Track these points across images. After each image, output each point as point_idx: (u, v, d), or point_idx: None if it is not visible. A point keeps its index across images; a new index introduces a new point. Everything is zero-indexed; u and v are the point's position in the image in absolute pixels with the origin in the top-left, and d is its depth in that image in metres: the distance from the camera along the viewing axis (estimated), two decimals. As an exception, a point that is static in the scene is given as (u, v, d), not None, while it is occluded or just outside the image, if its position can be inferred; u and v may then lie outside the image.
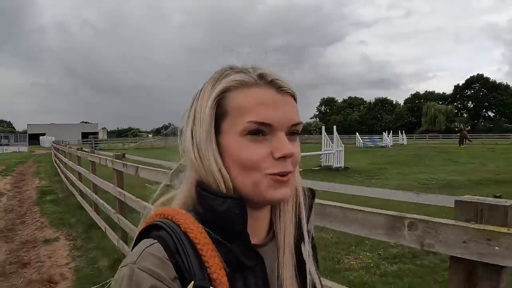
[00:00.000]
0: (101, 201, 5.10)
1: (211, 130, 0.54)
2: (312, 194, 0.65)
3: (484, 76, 72.72)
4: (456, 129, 62.12)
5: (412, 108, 76.05)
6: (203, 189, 0.55)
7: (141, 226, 0.56)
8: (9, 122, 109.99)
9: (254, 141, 0.53)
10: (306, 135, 53.98)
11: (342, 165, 14.99)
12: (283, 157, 0.53)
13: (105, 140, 51.32)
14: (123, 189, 3.99)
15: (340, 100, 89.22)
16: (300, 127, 0.57)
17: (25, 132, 70.01)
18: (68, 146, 11.78)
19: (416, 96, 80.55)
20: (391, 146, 32.60)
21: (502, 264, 0.95)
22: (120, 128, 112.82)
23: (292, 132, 0.56)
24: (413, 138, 47.20)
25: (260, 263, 0.56)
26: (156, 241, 0.51)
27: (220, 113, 0.54)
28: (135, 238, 0.56)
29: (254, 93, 0.54)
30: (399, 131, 40.04)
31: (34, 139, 58.09)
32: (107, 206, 4.71)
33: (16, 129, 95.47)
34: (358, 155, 21.57)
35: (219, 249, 0.52)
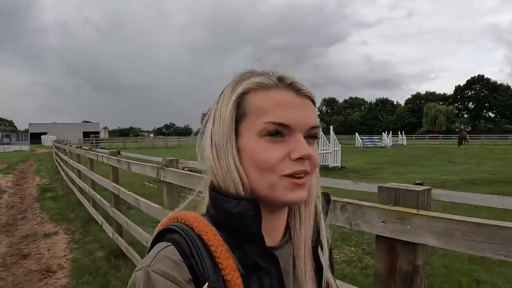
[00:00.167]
0: (98, 196, 5.33)
1: (231, 132, 0.55)
2: (327, 198, 0.65)
3: (485, 77, 72.81)
4: (457, 129, 62.14)
5: (413, 108, 76.10)
6: (216, 192, 0.55)
7: (156, 231, 0.57)
8: (11, 121, 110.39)
9: (272, 142, 0.53)
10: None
11: (339, 164, 15.18)
12: (301, 158, 0.53)
13: (106, 140, 51.50)
14: (118, 184, 4.21)
15: (341, 101, 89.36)
16: (318, 131, 0.57)
17: (26, 131, 70.21)
18: (68, 144, 12.01)
19: (417, 96, 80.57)
20: (390, 146, 32.71)
21: (416, 241, 1.10)
22: (121, 128, 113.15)
23: (310, 135, 0.56)
24: (413, 138, 47.30)
25: (275, 264, 0.56)
26: (170, 244, 0.51)
27: (239, 115, 0.55)
28: (150, 243, 0.56)
29: (274, 95, 0.54)
30: (399, 132, 40.19)
31: (35, 138, 58.31)
32: (104, 200, 4.94)
33: (18, 128, 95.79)
34: (357, 155, 21.73)
35: (233, 251, 0.52)
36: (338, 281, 0.68)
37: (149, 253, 0.52)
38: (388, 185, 1.22)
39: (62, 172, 11.38)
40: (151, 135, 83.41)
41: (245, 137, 0.54)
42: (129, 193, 3.55)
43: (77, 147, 8.63)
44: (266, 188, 0.53)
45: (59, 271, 4.01)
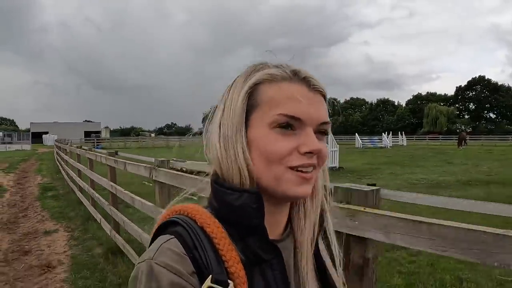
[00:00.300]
0: (97, 194, 5.50)
1: (241, 122, 0.54)
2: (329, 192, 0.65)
3: (487, 77, 72.88)
4: (458, 130, 62.12)
5: (414, 109, 76.14)
6: (219, 184, 0.55)
7: (157, 223, 0.56)
8: (12, 120, 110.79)
9: (282, 134, 0.53)
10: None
11: (337, 165, 15.30)
12: (310, 153, 0.53)
13: (107, 139, 51.72)
14: (115, 183, 4.37)
15: (342, 101, 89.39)
16: (328, 127, 0.57)
17: (28, 130, 70.52)
18: (69, 144, 12.18)
19: (417, 97, 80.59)
20: (390, 147, 32.76)
21: (364, 236, 1.22)
22: (123, 127, 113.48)
23: (320, 131, 0.56)
24: (413, 139, 47.37)
25: (278, 256, 0.56)
26: (173, 236, 0.51)
27: (250, 105, 0.55)
28: (151, 235, 0.56)
29: (287, 87, 0.54)
30: (399, 132, 40.28)
31: (37, 137, 58.54)
32: (102, 199, 5.11)
33: (19, 128, 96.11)
34: (355, 156, 21.82)
35: (235, 243, 0.52)
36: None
37: (152, 245, 0.52)
38: (342, 185, 1.36)
39: (63, 172, 11.55)
40: (152, 135, 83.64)
41: (255, 128, 0.54)
42: (126, 192, 3.71)
43: (77, 147, 8.80)
44: (272, 180, 0.53)
45: (59, 267, 4.17)
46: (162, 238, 0.52)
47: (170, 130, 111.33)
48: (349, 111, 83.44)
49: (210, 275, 0.48)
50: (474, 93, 73.93)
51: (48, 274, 3.95)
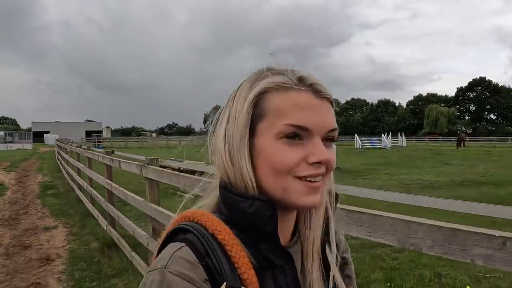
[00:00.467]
0: (95, 192, 5.72)
1: (246, 132, 0.54)
2: (335, 197, 0.64)
3: (487, 79, 72.86)
4: (458, 131, 62.19)
5: (415, 110, 76.19)
6: (228, 190, 0.55)
7: (166, 230, 0.56)
8: (14, 119, 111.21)
9: (289, 144, 0.52)
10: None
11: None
12: (318, 163, 0.52)
13: (108, 139, 51.99)
14: (111, 180, 4.59)
15: (343, 102, 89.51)
16: (336, 133, 0.56)
17: (29, 130, 70.86)
18: (69, 144, 12.41)
19: (418, 98, 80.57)
20: (389, 147, 32.85)
21: None
22: (124, 127, 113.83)
23: (328, 138, 0.55)
24: (412, 140, 47.48)
25: (290, 261, 0.56)
26: (184, 244, 0.51)
27: (256, 115, 0.54)
28: (160, 242, 0.56)
29: (293, 96, 0.53)
30: (399, 133, 40.39)
31: (38, 136, 58.90)
32: (99, 196, 5.33)
33: (21, 127, 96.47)
34: (354, 156, 21.94)
35: (247, 249, 0.52)
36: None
37: (163, 253, 0.52)
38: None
39: (63, 170, 11.76)
40: (153, 134, 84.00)
41: (262, 138, 0.53)
42: (120, 188, 3.93)
43: (76, 147, 9.02)
44: (280, 191, 0.53)
45: (57, 259, 4.40)
46: (173, 246, 0.51)
47: (171, 130, 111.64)
48: (350, 111, 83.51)
49: (225, 283, 0.48)
50: (474, 94, 73.94)
51: (46, 267, 4.17)
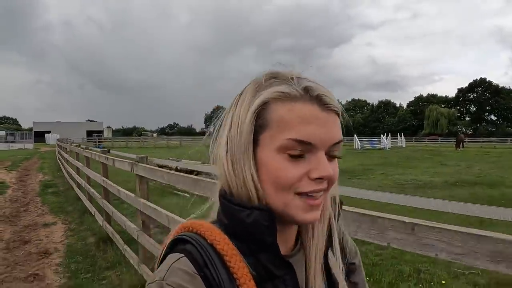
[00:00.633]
0: (92, 189, 5.94)
1: (249, 143, 0.52)
2: (339, 203, 0.63)
3: (487, 80, 72.97)
4: (459, 132, 62.28)
5: (415, 111, 76.32)
6: (227, 200, 0.54)
7: (167, 241, 0.56)
8: (15, 119, 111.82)
9: (292, 159, 0.51)
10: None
11: (330, 165, 15.59)
12: (320, 178, 0.52)
13: (109, 139, 52.26)
14: (107, 178, 4.81)
15: (344, 102, 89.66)
16: (340, 145, 0.54)
17: (30, 129, 71.17)
18: (69, 143, 12.64)
19: (419, 99, 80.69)
20: (389, 148, 32.94)
21: None
22: (125, 127, 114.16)
23: (332, 151, 0.53)
24: (412, 140, 47.58)
25: (291, 272, 0.55)
26: (182, 255, 0.50)
27: (259, 124, 0.52)
28: (161, 254, 0.56)
29: (298, 108, 0.51)
30: (398, 134, 40.48)
31: (39, 136, 59.22)
32: (96, 193, 5.55)
33: (22, 127, 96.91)
34: (352, 157, 21.92)
35: (246, 259, 0.51)
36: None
37: (162, 265, 0.52)
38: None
39: (63, 169, 11.99)
40: (154, 134, 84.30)
41: (264, 149, 0.52)
42: (114, 185, 4.16)
43: (75, 146, 9.25)
44: (281, 205, 0.52)
45: (55, 253, 4.62)
46: (172, 257, 0.51)
47: (172, 130, 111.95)
48: (351, 112, 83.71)
49: None
50: (475, 95, 74.04)
51: (45, 259, 4.39)
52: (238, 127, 0.53)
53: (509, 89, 71.43)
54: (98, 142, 41.78)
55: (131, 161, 3.34)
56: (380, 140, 35.35)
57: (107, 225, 4.79)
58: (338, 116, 0.55)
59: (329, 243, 0.61)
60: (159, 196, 7.25)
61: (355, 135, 37.63)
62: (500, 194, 9.12)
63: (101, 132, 69.53)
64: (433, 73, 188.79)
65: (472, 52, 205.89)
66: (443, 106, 71.21)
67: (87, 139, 47.62)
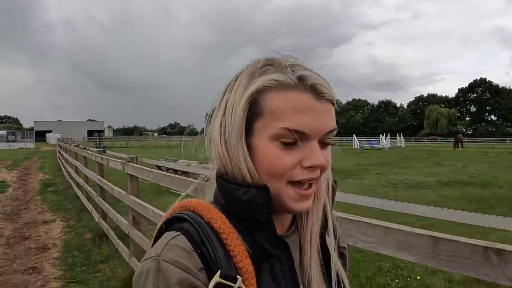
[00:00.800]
0: (89, 188, 6.18)
1: (242, 129, 0.53)
2: (334, 186, 0.64)
3: (488, 80, 73.02)
4: (459, 132, 62.25)
5: (415, 111, 76.38)
6: (224, 180, 0.54)
7: (162, 219, 0.55)
8: (16, 118, 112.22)
9: (285, 148, 0.51)
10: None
11: (326, 165, 15.73)
12: (312, 167, 0.52)
13: (109, 138, 52.49)
14: (103, 177, 5.05)
15: (344, 102, 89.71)
16: (334, 134, 0.55)
17: (32, 129, 71.48)
18: (69, 143, 12.87)
19: (419, 99, 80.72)
20: (387, 148, 32.98)
21: None
22: (126, 127, 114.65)
23: (325, 140, 0.54)
24: (411, 140, 47.67)
25: (287, 251, 0.56)
26: (179, 233, 0.50)
27: (253, 112, 0.52)
28: (156, 231, 0.56)
29: (292, 97, 0.51)
30: (397, 134, 40.58)
31: (40, 136, 59.50)
32: (93, 191, 5.79)
33: (23, 126, 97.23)
34: (350, 157, 21.91)
35: (243, 238, 0.52)
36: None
37: (158, 241, 0.52)
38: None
39: (63, 169, 12.22)
40: (155, 134, 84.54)
41: (258, 137, 0.53)
42: (108, 183, 4.41)
43: (74, 146, 9.49)
44: (273, 192, 0.52)
45: (53, 248, 4.86)
46: (168, 235, 0.51)
47: (173, 130, 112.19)
48: (351, 112, 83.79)
49: (219, 271, 0.48)
50: (475, 95, 74.09)
51: (43, 254, 4.64)
52: (232, 113, 0.54)
53: (510, 89, 71.47)
54: (99, 141, 41.97)
55: (122, 161, 3.57)
56: (379, 140, 35.43)
57: (103, 222, 5.03)
58: (333, 105, 0.55)
59: (324, 226, 0.62)
60: (156, 195, 7.45)
61: (354, 135, 37.73)
62: (491, 194, 9.24)
63: (102, 131, 69.76)
64: (434, 73, 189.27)
65: (473, 52, 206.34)
66: (443, 106, 71.20)
67: (88, 139, 47.83)
